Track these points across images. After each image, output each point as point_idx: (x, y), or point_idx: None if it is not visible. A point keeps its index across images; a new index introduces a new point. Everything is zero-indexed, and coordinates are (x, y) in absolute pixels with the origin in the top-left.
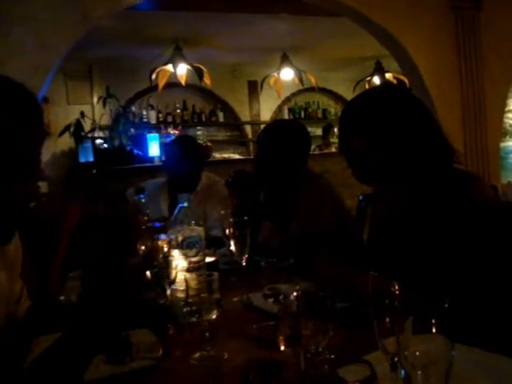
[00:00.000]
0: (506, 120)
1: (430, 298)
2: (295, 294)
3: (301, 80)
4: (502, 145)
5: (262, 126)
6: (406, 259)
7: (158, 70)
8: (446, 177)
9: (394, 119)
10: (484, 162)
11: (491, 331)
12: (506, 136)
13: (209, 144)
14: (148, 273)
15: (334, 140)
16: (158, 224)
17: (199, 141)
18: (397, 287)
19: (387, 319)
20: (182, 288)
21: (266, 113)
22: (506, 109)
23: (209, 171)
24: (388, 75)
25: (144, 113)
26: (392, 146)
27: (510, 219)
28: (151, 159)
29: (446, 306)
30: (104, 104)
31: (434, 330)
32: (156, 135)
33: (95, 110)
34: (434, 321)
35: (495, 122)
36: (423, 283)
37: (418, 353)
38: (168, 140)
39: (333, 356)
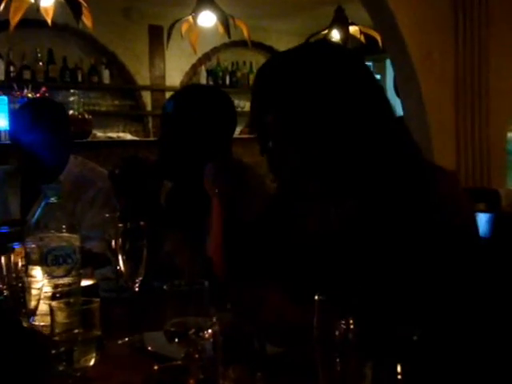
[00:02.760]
0: None
1: (395, 332)
2: (211, 330)
3: (227, 29)
4: (510, 135)
5: (169, 95)
6: (362, 279)
7: None
8: (400, 177)
9: (324, 90)
10: (483, 159)
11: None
12: None
13: (86, 116)
14: None
15: None
16: (5, 229)
17: (71, 111)
18: (351, 319)
19: (337, 365)
20: (44, 323)
21: (175, 75)
22: None
23: (85, 156)
24: (353, 28)
25: None
26: (319, 129)
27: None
28: None
29: (415, 338)
30: None
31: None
32: (4, 98)
33: None
34: (400, 366)
35: (501, 102)
36: (385, 310)
37: None
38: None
39: None
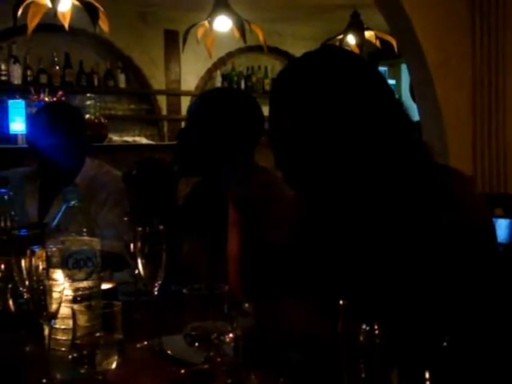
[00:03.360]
0: None
1: (423, 339)
2: (232, 335)
3: (243, 34)
4: None
5: (184, 99)
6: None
7: (27, 1)
8: (415, 180)
9: (338, 95)
10: (500, 163)
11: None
12: None
13: (102, 120)
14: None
15: None
16: (24, 232)
17: (88, 115)
18: (376, 325)
19: (362, 372)
20: (65, 326)
21: (190, 80)
22: None
23: (101, 160)
24: (368, 33)
25: (3, 67)
26: (333, 134)
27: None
28: (14, 138)
29: (445, 344)
30: None
31: None
32: (21, 102)
33: None
34: (427, 374)
35: None
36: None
37: None
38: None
39: None
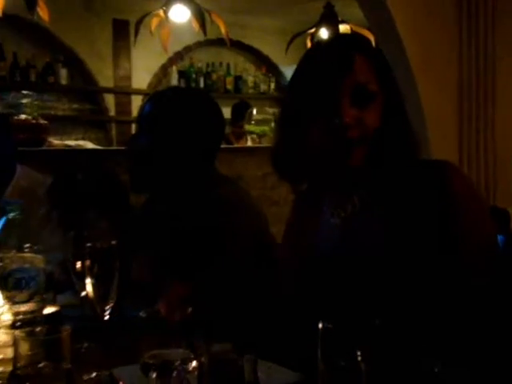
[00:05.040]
0: None
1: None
2: (196, 363)
3: (202, 25)
4: None
5: (135, 98)
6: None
7: None
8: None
9: None
10: (489, 174)
11: None
12: None
13: (41, 121)
14: None
15: (252, 128)
16: None
17: (23, 115)
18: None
19: None
20: (3, 356)
21: (142, 76)
22: None
23: (39, 167)
24: (343, 27)
25: None
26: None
27: None
28: None
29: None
30: None
31: None
32: None
33: None
34: None
35: (508, 112)
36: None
37: None
38: None
39: None
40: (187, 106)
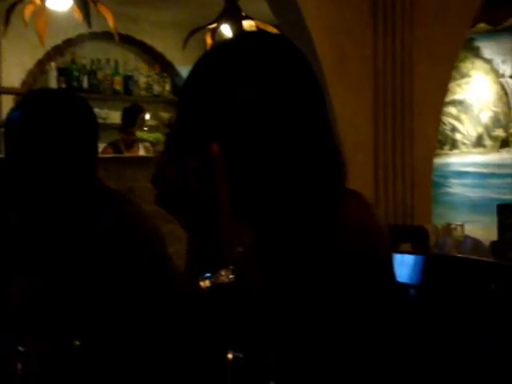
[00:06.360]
0: (445, 118)
1: None
2: None
3: (86, 16)
4: (438, 161)
5: (5, 99)
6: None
7: None
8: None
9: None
10: (407, 189)
11: None
12: (445, 146)
13: None
14: None
15: (145, 135)
16: None
17: None
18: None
19: None
20: None
21: (14, 74)
22: (448, 99)
23: None
24: (247, 23)
25: None
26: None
27: None
28: None
29: None
30: None
31: None
32: None
33: None
34: None
35: (428, 121)
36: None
37: None
38: None
39: None
40: (56, 110)
